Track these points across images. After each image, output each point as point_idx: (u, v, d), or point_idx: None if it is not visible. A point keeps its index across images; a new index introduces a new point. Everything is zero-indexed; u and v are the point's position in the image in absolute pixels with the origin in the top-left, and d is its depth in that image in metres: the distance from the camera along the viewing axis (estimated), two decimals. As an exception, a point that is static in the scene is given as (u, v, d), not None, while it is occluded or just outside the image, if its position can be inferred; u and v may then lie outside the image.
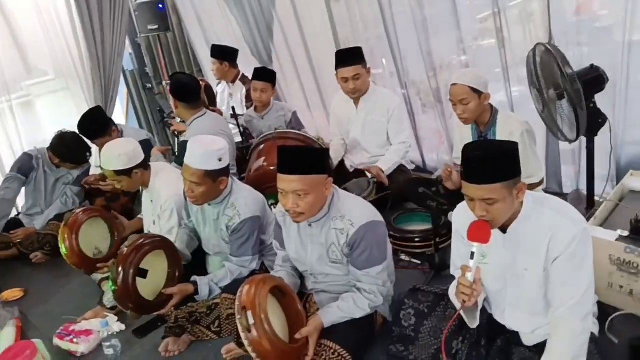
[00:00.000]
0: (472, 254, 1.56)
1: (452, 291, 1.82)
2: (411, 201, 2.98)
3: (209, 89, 4.43)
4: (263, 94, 3.58)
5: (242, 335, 1.68)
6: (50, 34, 4.16)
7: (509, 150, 1.54)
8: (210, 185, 2.23)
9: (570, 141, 2.41)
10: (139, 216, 3.06)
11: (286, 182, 1.83)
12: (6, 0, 3.87)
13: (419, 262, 2.63)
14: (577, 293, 1.57)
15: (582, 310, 1.58)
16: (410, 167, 3.41)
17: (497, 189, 1.49)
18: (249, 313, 1.68)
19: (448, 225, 2.44)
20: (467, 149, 1.57)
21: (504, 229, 1.65)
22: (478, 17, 3.16)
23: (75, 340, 2.38)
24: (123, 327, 2.51)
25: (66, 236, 2.54)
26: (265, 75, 3.59)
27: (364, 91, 3.12)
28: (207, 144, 2.24)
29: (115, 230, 2.76)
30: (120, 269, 2.16)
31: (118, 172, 2.53)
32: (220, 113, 4.07)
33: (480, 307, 1.72)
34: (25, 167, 3.47)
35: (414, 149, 3.61)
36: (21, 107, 4.35)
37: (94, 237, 2.67)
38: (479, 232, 1.56)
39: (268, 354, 1.69)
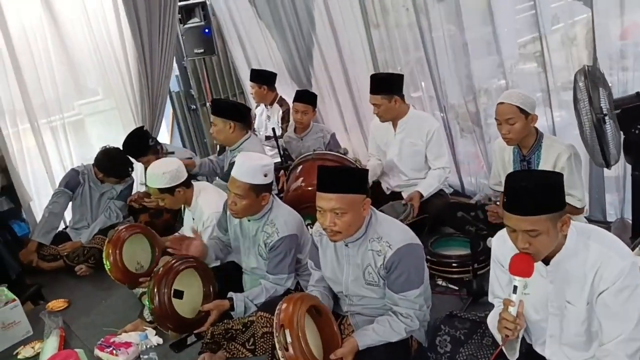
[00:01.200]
0: (515, 288, 1.53)
1: (490, 321, 1.79)
2: (449, 226, 2.95)
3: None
4: (304, 116, 3.69)
5: (279, 353, 1.70)
6: (102, 55, 4.35)
7: (555, 182, 1.51)
8: (253, 199, 2.29)
9: (607, 166, 2.35)
10: (177, 233, 3.14)
11: (325, 200, 1.87)
12: (63, 22, 4.08)
13: (456, 287, 2.59)
14: (626, 328, 1.51)
15: (630, 347, 1.52)
16: (448, 190, 3.38)
17: (541, 221, 1.46)
18: (287, 331, 1.70)
19: (487, 252, 2.39)
20: (511, 178, 1.55)
21: (546, 261, 1.61)
22: (518, 41, 3.15)
23: (115, 352, 2.46)
24: (161, 341, 2.57)
25: (110, 252, 2.63)
26: (307, 97, 3.70)
27: (386, 117, 3.13)
28: (255, 159, 2.34)
29: (155, 246, 2.85)
30: (155, 290, 2.23)
31: (162, 190, 2.65)
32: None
33: (520, 338, 1.67)
34: (72, 182, 3.65)
35: (452, 173, 3.58)
36: (72, 126, 4.55)
37: (136, 253, 2.76)
38: (521, 266, 1.52)
39: None
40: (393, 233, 1.96)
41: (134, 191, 3.97)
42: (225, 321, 2.37)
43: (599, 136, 2.27)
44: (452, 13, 3.24)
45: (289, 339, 1.68)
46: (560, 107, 3.04)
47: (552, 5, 2.94)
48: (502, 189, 2.75)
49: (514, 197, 1.50)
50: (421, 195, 3.07)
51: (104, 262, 2.65)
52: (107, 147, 3.62)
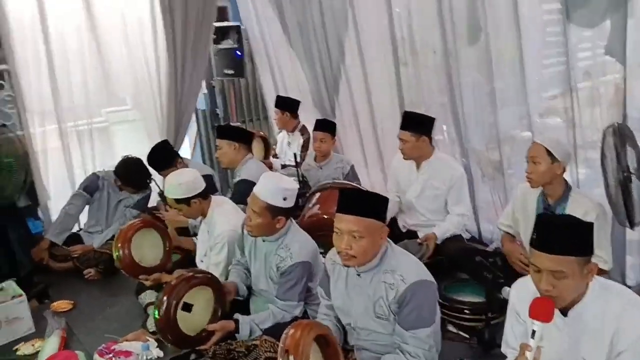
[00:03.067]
0: (533, 332, 1.48)
1: None
2: (464, 271, 2.90)
3: (265, 140, 4.73)
4: (322, 144, 3.75)
5: None
6: (135, 66, 4.46)
7: (586, 227, 1.50)
8: (268, 219, 2.30)
9: (629, 226, 2.32)
10: (193, 237, 3.16)
11: (344, 222, 1.87)
12: (101, 30, 4.20)
13: (467, 335, 2.53)
14: None
15: None
16: (466, 236, 3.34)
17: (569, 262, 1.45)
18: (291, 357, 1.67)
19: (501, 302, 2.35)
20: (542, 216, 1.56)
21: (564, 312, 1.57)
22: (545, 94, 3.16)
23: (114, 359, 2.43)
24: (161, 354, 2.54)
25: (119, 243, 2.68)
26: (326, 126, 3.78)
27: (410, 155, 3.14)
28: (280, 180, 2.37)
29: (167, 241, 2.87)
30: (165, 298, 2.21)
31: (178, 200, 2.67)
32: (270, 166, 4.31)
33: None
34: (91, 186, 3.72)
35: (470, 219, 3.54)
36: (98, 132, 4.64)
37: (147, 246, 2.81)
38: (541, 309, 1.48)
39: None
40: (408, 267, 1.94)
41: (151, 202, 4.02)
42: (229, 342, 2.33)
43: (624, 195, 2.25)
44: (482, 59, 3.27)
45: None
46: (584, 164, 3.01)
47: (583, 63, 2.96)
48: (507, 229, 2.77)
49: (544, 234, 1.49)
50: (436, 238, 3.05)
51: (113, 251, 2.70)
52: (128, 156, 3.68)
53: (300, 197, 3.63)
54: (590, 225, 1.51)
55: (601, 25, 2.80)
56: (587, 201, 2.40)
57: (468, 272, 2.81)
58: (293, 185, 2.39)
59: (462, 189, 3.18)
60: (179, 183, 2.65)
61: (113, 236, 3.55)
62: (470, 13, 3.26)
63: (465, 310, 2.56)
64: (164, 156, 3.57)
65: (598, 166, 2.43)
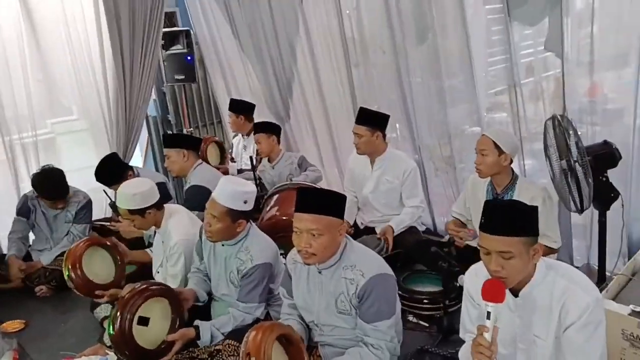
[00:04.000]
0: (488, 313, 1.53)
1: (462, 354, 1.80)
2: (421, 262, 2.98)
3: (220, 145, 4.69)
4: (260, 145, 3.83)
5: None
6: (81, 74, 4.31)
7: (531, 209, 1.58)
8: (228, 224, 2.27)
9: (578, 212, 2.44)
10: (147, 250, 3.08)
11: (302, 221, 1.88)
12: (44, 38, 4.05)
13: (426, 324, 2.59)
14: None
15: None
16: (421, 228, 3.42)
17: (515, 243, 1.51)
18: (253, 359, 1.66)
19: (458, 290, 2.42)
20: (490, 202, 1.62)
21: (515, 293, 1.64)
22: (491, 91, 3.29)
23: (71, 376, 2.34)
24: (121, 367, 2.46)
25: (70, 262, 2.58)
26: (260, 127, 3.86)
27: (364, 150, 3.21)
28: (238, 184, 2.34)
29: (117, 256, 2.79)
30: (118, 313, 2.12)
31: (132, 211, 2.58)
32: (226, 171, 4.28)
33: None
34: (23, 208, 3.59)
35: (425, 212, 3.63)
36: (44, 144, 4.47)
37: (98, 263, 2.72)
38: (493, 291, 1.54)
39: None
40: (367, 262, 1.97)
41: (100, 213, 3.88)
42: (191, 349, 2.30)
43: (568, 182, 2.37)
44: (430, 58, 3.37)
45: None
46: (532, 155, 3.15)
47: (526, 59, 3.09)
48: (458, 216, 2.86)
49: (491, 217, 1.55)
50: (393, 230, 3.11)
51: (64, 270, 2.59)
52: (45, 167, 3.52)
53: (258, 199, 3.65)
54: (534, 208, 1.59)
55: (541, 23, 2.94)
56: (533, 187, 2.51)
57: (425, 263, 2.89)
58: (252, 188, 2.38)
59: (415, 182, 3.26)
60: (133, 194, 2.56)
61: (62, 253, 3.47)
62: (417, 13, 3.35)
63: (424, 300, 2.63)
64: (113, 170, 3.44)
65: (543, 157, 2.55)
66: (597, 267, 2.58)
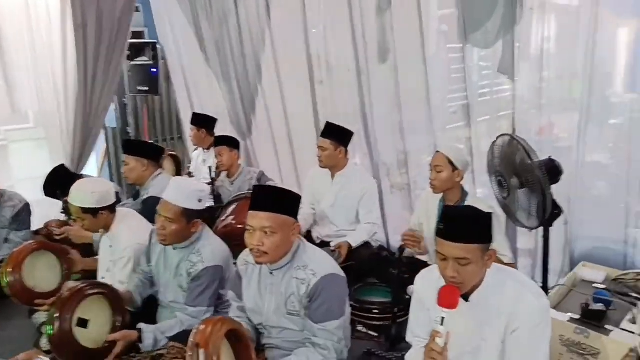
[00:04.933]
0: (442, 319, 1.56)
1: (410, 358, 1.80)
2: (372, 274, 3.00)
3: (176, 158, 4.63)
4: (221, 157, 3.80)
5: None
6: (41, 79, 4.25)
7: (487, 216, 1.63)
8: (183, 225, 2.23)
9: (531, 228, 2.53)
10: (96, 257, 2.98)
11: (256, 219, 1.87)
12: (5, 39, 3.99)
13: (375, 334, 2.59)
14: None
15: None
16: (375, 245, 3.46)
17: (473, 250, 1.55)
18: (201, 351, 1.61)
19: (407, 301, 2.43)
20: (448, 209, 1.67)
21: (466, 297, 1.67)
22: (449, 127, 3.43)
23: (1, 380, 2.21)
24: (55, 374, 2.34)
25: (10, 268, 2.44)
26: (221, 140, 3.84)
27: (326, 163, 3.26)
28: (191, 183, 2.32)
29: (64, 263, 2.67)
30: (58, 313, 2.03)
31: (85, 210, 2.49)
32: None
33: None
34: None
35: (379, 228, 3.68)
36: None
37: (41, 270, 2.58)
38: (448, 298, 1.57)
39: None
40: (319, 262, 1.97)
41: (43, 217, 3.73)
42: (132, 354, 2.21)
43: (512, 201, 2.46)
44: (391, 78, 3.49)
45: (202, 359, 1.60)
46: (482, 185, 3.26)
47: (481, 99, 3.27)
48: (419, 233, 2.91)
49: (450, 224, 1.58)
50: (350, 246, 3.13)
51: (1, 277, 2.45)
52: None
53: (215, 211, 3.62)
54: (489, 216, 1.64)
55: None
56: (482, 204, 2.54)
57: (376, 273, 2.91)
58: (204, 186, 2.37)
59: (373, 199, 3.31)
60: (91, 192, 2.48)
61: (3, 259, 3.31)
62: (380, 34, 3.48)
63: (374, 310, 2.65)
64: (64, 182, 3.34)
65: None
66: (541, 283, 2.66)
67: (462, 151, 2.69)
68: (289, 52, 4.10)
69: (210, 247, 2.32)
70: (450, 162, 2.55)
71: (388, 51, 3.44)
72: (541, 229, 2.55)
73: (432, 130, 3.40)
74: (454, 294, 1.57)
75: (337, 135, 3.21)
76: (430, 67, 3.30)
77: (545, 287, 2.58)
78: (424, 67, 3.30)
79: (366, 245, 3.26)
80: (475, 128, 3.21)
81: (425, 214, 2.79)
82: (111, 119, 5.14)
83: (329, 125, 3.27)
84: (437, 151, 2.66)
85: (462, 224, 1.57)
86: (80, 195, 2.49)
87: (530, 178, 2.34)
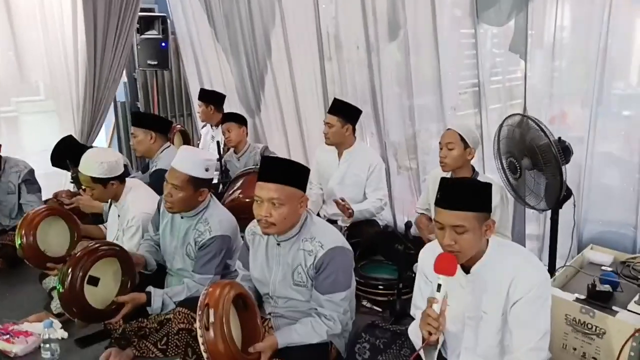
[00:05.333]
0: (439, 286, 1.57)
1: (412, 330, 1.82)
2: (379, 252, 3.01)
3: (185, 134, 4.62)
4: (229, 133, 3.80)
5: (199, 332, 1.65)
6: (52, 51, 4.25)
7: (484, 186, 1.62)
8: (190, 192, 2.25)
9: (542, 210, 2.52)
10: (101, 225, 3.01)
11: (264, 190, 1.88)
12: (17, 12, 3.98)
13: (380, 309, 2.61)
14: (535, 337, 1.59)
15: (538, 356, 1.59)
16: (382, 223, 3.46)
17: (469, 218, 1.55)
18: (211, 311, 1.65)
19: (413, 279, 2.45)
20: (444, 179, 1.66)
21: (466, 270, 1.68)
22: (460, 113, 3.38)
23: (12, 340, 2.26)
24: (66, 335, 2.41)
25: (24, 231, 2.50)
26: (229, 117, 3.84)
27: (333, 140, 3.23)
28: (198, 152, 2.33)
29: (75, 231, 2.71)
30: (69, 270, 2.08)
31: (95, 179, 2.52)
32: None
33: (439, 345, 1.69)
34: None
35: (387, 209, 3.67)
36: (5, 122, 4.34)
37: (52, 236, 2.63)
38: (445, 264, 1.58)
39: (220, 357, 1.64)
40: (326, 234, 1.98)
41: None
42: (140, 319, 2.25)
43: (523, 182, 2.44)
44: (402, 53, 3.45)
45: (211, 319, 1.64)
46: (492, 171, 3.20)
47: (493, 86, 3.20)
48: (424, 212, 2.92)
49: (446, 192, 1.59)
50: (352, 212, 3.09)
51: (16, 238, 2.51)
52: None
53: (222, 185, 3.64)
54: (488, 185, 1.63)
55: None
56: (493, 184, 2.57)
57: (382, 251, 2.91)
58: (211, 156, 2.39)
59: (380, 177, 3.30)
60: (101, 161, 2.51)
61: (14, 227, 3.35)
62: (391, 11, 3.43)
63: (379, 286, 2.66)
64: (73, 152, 3.35)
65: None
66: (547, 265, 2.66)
67: (473, 129, 2.66)
68: (299, 28, 4.05)
69: (217, 217, 2.35)
70: (462, 139, 2.54)
71: (399, 27, 3.39)
72: (549, 212, 2.56)
73: (443, 115, 3.35)
74: (451, 261, 1.57)
75: (344, 111, 3.19)
76: (442, 45, 3.24)
77: (552, 269, 2.59)
78: (435, 44, 3.24)
79: (372, 222, 3.26)
80: (486, 114, 3.17)
81: (434, 192, 2.76)
82: (121, 93, 5.15)
83: (336, 102, 3.25)
84: (448, 128, 2.63)
85: (459, 192, 1.58)
86: (90, 164, 2.52)
87: (545, 157, 2.31)
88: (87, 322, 2.17)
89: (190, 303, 2.08)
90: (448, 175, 2.68)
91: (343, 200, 3.04)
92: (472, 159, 2.61)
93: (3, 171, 3.45)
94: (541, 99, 2.92)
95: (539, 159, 2.33)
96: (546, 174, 2.36)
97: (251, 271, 2.13)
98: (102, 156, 2.55)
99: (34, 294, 2.86)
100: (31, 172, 3.56)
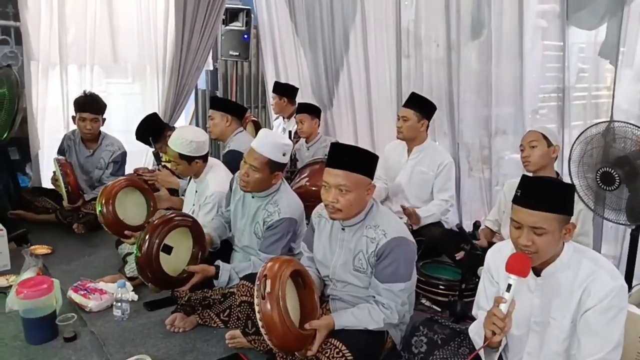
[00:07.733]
0: (509, 286, 1.51)
1: (473, 328, 1.76)
2: (444, 253, 2.94)
3: (257, 124, 4.72)
4: (302, 125, 3.91)
5: (255, 301, 1.70)
6: (143, 35, 4.52)
7: (568, 187, 1.56)
8: (267, 174, 2.32)
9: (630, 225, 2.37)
10: (183, 197, 3.17)
11: (332, 176, 1.90)
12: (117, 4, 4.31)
13: (439, 309, 2.56)
14: (605, 348, 1.50)
15: None
16: (448, 226, 3.38)
17: (550, 219, 1.49)
18: (269, 282, 1.69)
19: (476, 282, 2.38)
20: (526, 177, 1.60)
21: (537, 273, 1.61)
22: (542, 92, 3.26)
23: (88, 295, 2.42)
24: (136, 297, 2.55)
25: (104, 200, 2.66)
26: (303, 108, 3.96)
27: (406, 135, 3.18)
28: (278, 136, 2.41)
29: (151, 202, 2.86)
30: (147, 237, 2.19)
31: (182, 156, 2.65)
32: None
33: (500, 350, 1.63)
34: (60, 148, 3.75)
35: (453, 211, 3.60)
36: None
37: (130, 206, 2.79)
38: (518, 265, 1.51)
39: (275, 328, 1.68)
40: (391, 224, 1.98)
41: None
42: (205, 290, 2.36)
43: (603, 192, 2.30)
44: (482, 55, 3.37)
45: (268, 289, 1.67)
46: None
47: (576, 102, 3.08)
48: (491, 225, 2.85)
49: (528, 191, 1.53)
50: (419, 217, 3.05)
51: (96, 205, 2.67)
52: None
53: (290, 173, 3.71)
54: (571, 187, 1.56)
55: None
56: (575, 185, 2.45)
57: (447, 252, 2.84)
58: (290, 142, 2.44)
59: (448, 177, 3.22)
60: (190, 140, 2.63)
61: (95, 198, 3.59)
62: (475, 10, 3.36)
63: (440, 286, 2.60)
64: (153, 128, 3.60)
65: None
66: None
67: (552, 129, 2.58)
68: (379, 23, 4.05)
69: (287, 200, 2.40)
70: (545, 137, 2.47)
71: (482, 27, 3.31)
72: (628, 231, 2.39)
73: (523, 126, 3.24)
74: (525, 261, 1.51)
75: (421, 106, 3.14)
76: (527, 49, 3.13)
77: (629, 282, 2.43)
78: (520, 47, 3.14)
79: (438, 224, 3.19)
80: (569, 131, 3.04)
81: (508, 203, 2.68)
82: (202, 81, 5.38)
83: (413, 95, 3.21)
84: (529, 130, 2.57)
85: (541, 191, 1.51)
86: (181, 141, 2.64)
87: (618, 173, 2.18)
88: (159, 287, 2.26)
89: (254, 278, 2.12)
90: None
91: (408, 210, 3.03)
92: (556, 157, 2.53)
93: (99, 145, 3.70)
94: (628, 120, 2.76)
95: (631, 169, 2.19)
96: (631, 186, 2.21)
97: (314, 252, 2.16)
98: (192, 135, 2.67)
99: (110, 258, 3.06)
100: (123, 154, 3.78)
